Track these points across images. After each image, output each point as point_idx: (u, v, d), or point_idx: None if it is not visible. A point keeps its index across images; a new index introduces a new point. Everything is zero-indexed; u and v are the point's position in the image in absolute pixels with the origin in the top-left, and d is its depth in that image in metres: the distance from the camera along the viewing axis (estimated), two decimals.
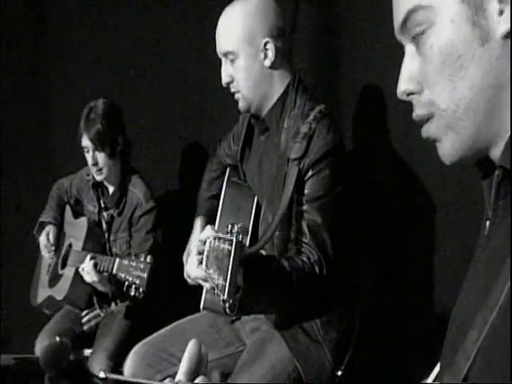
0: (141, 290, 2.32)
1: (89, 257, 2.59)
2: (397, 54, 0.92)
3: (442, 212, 2.28)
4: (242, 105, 1.98)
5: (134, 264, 2.36)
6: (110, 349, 2.63)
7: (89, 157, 2.75)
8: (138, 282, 2.33)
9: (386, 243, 2.38)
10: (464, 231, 2.14)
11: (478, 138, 0.83)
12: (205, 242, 1.66)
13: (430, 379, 0.96)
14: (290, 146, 1.86)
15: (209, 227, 1.68)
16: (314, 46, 2.46)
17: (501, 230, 0.81)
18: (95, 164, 2.74)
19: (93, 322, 2.83)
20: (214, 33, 1.97)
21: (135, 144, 2.89)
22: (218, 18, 1.96)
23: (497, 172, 0.80)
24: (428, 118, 0.86)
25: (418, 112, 0.87)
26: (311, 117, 1.86)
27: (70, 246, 2.92)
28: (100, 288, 2.65)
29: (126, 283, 2.37)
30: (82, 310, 2.85)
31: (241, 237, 1.48)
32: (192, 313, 2.16)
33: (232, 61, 1.92)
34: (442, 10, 0.82)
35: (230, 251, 1.46)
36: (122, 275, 2.39)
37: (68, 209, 3.04)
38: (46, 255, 2.97)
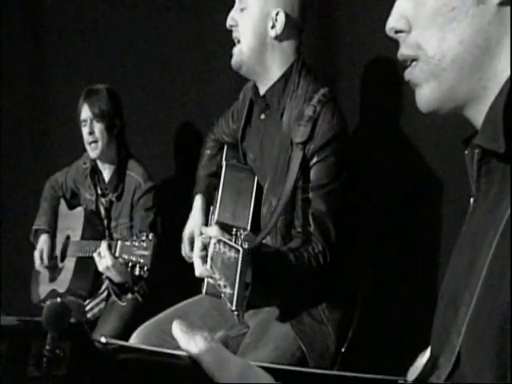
0: (145, 268, 2.33)
1: (105, 244, 2.48)
2: None
3: (449, 196, 2.25)
4: (235, 60, 1.96)
5: (136, 244, 2.37)
6: (108, 335, 2.59)
7: (86, 130, 2.74)
8: (142, 260, 2.34)
9: (388, 226, 2.37)
10: None
11: (457, 91, 0.83)
12: (210, 239, 1.63)
13: (425, 358, 0.96)
14: (293, 128, 1.85)
15: (215, 227, 1.63)
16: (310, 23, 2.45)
17: (483, 207, 0.81)
18: (91, 133, 2.72)
19: (96, 309, 2.82)
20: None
21: (131, 128, 2.89)
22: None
23: (477, 150, 0.81)
24: (412, 61, 0.86)
25: (403, 51, 0.87)
26: (315, 99, 1.85)
27: (68, 237, 2.90)
28: (113, 275, 2.52)
29: (130, 264, 2.38)
30: (85, 300, 2.83)
31: (247, 245, 1.43)
32: (194, 295, 2.16)
33: (242, 10, 1.92)
34: None
35: (237, 260, 1.40)
36: (126, 256, 2.39)
37: (62, 202, 3.02)
38: (39, 268, 2.94)
